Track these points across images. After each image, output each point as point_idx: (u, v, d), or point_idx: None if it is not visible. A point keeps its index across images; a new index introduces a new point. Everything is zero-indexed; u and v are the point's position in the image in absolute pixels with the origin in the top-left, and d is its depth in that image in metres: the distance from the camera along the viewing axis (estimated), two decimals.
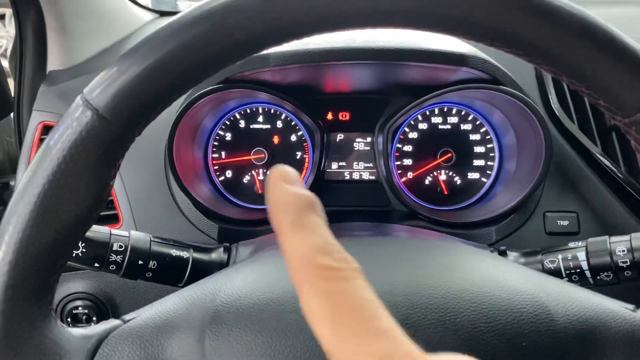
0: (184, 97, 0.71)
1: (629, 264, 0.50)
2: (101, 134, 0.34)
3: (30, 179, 0.34)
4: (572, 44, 0.33)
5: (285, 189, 0.24)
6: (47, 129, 0.74)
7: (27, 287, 0.35)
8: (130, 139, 0.36)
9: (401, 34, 0.69)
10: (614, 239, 0.52)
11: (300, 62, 0.66)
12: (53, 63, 0.83)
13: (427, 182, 0.80)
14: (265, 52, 0.68)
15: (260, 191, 0.79)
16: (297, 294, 0.38)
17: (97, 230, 0.52)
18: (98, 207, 0.37)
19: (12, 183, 0.96)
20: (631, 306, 0.40)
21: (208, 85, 0.69)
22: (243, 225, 0.73)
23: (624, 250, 0.50)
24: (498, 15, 0.32)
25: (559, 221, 0.69)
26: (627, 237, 0.51)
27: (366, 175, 0.81)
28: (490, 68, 0.68)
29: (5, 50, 3.55)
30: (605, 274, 0.51)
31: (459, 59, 0.66)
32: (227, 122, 0.79)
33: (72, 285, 0.71)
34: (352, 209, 0.80)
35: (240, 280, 0.41)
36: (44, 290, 0.36)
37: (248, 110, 0.79)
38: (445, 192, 0.79)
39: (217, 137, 0.79)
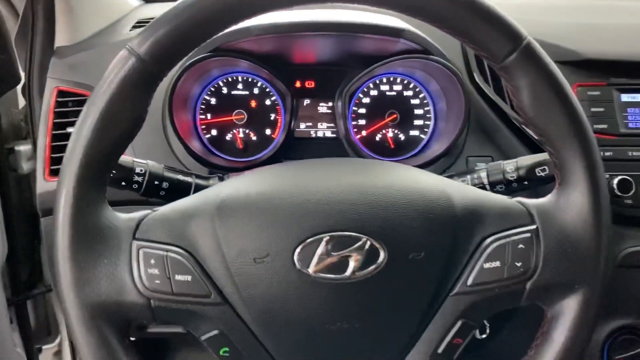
0: (175, 68, 0.87)
1: (515, 178, 0.69)
2: (142, 72, 0.50)
3: (92, 101, 0.50)
4: (458, 13, 0.51)
5: None
6: (62, 93, 0.88)
7: (91, 180, 0.51)
8: (161, 77, 0.52)
9: (356, 13, 0.87)
10: (506, 162, 0.71)
11: (276, 32, 0.83)
12: (60, 39, 0.97)
13: (377, 138, 0.97)
14: (246, 23, 0.85)
15: (240, 147, 0.95)
16: (280, 189, 0.56)
17: (123, 158, 0.68)
18: (138, 125, 0.53)
19: (17, 148, 1.09)
20: (507, 196, 0.58)
21: (196, 55, 0.85)
22: (229, 171, 0.89)
23: (512, 169, 0.70)
24: None
25: (478, 163, 0.88)
26: (515, 160, 0.70)
27: (328, 134, 0.98)
28: (422, 40, 0.86)
29: None
30: (500, 186, 0.70)
31: (396, 32, 0.84)
32: (212, 89, 0.95)
33: None
34: None
35: (236, 183, 0.57)
36: (101, 183, 0.52)
37: (229, 79, 0.95)
38: (392, 146, 0.97)
39: (204, 102, 0.95)
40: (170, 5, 0.50)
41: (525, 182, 0.69)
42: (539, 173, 0.68)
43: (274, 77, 0.90)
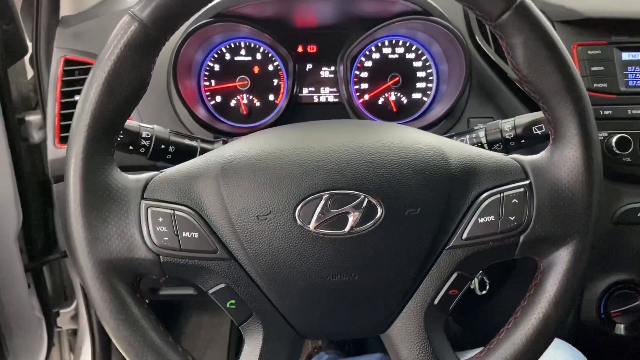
0: (179, 33, 0.88)
1: (512, 136, 0.71)
2: (145, 36, 0.51)
3: (97, 66, 0.52)
4: None
5: None
6: (68, 62, 0.90)
7: (99, 142, 0.53)
8: (164, 41, 0.54)
9: None
10: (504, 121, 0.72)
11: None
12: (65, 9, 0.98)
13: (380, 102, 0.99)
14: None
15: (244, 112, 0.97)
16: (283, 148, 0.58)
17: (129, 123, 0.70)
18: (142, 89, 0.55)
19: (27, 118, 1.12)
20: (503, 154, 0.60)
21: (199, 21, 0.86)
22: (234, 136, 0.91)
23: (509, 127, 0.71)
24: None
25: (479, 124, 0.89)
26: (512, 119, 0.72)
27: (331, 98, 1.00)
28: (421, 1, 0.86)
29: None
30: (498, 145, 0.72)
31: None
32: (215, 55, 0.96)
33: None
34: None
35: (240, 144, 0.59)
36: (109, 145, 0.54)
37: (232, 45, 0.96)
38: (395, 110, 0.98)
39: (207, 68, 0.96)
40: None
41: (522, 141, 0.71)
42: (536, 131, 0.69)
43: (276, 42, 0.91)
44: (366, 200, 0.54)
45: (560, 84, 0.54)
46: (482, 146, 0.72)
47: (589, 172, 0.54)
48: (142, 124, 0.70)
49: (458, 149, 0.59)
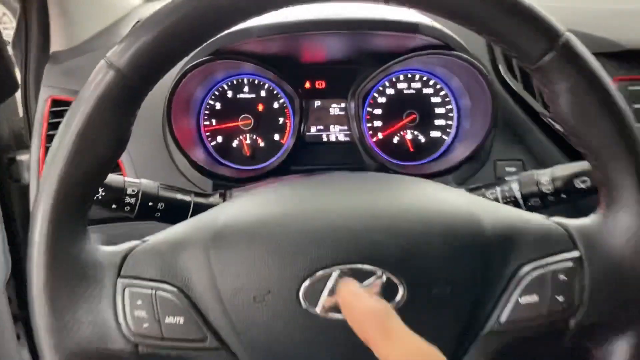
0: (176, 70, 0.80)
1: (551, 190, 0.61)
2: (122, 88, 0.43)
3: (67, 125, 0.44)
4: (487, 10, 0.43)
5: (366, 301, 0.34)
6: (56, 102, 0.83)
7: (68, 210, 0.45)
8: (145, 92, 0.46)
9: (366, 9, 0.79)
10: (539, 171, 0.63)
11: (280, 32, 0.76)
12: (55, 44, 0.91)
13: (395, 141, 0.90)
14: (248, 24, 0.78)
15: (247, 154, 0.89)
16: (284, 214, 0.49)
17: (113, 178, 0.62)
18: (121, 148, 0.47)
19: (18, 158, 1.05)
20: (544, 216, 0.51)
21: (197, 58, 0.79)
22: (234, 182, 0.83)
23: (547, 180, 0.62)
24: None
25: (506, 168, 0.80)
26: (549, 170, 0.63)
27: (342, 137, 0.91)
28: (442, 35, 0.78)
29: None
30: (534, 200, 0.63)
31: (412, 27, 0.76)
32: (216, 93, 0.89)
33: None
34: (329, 167, 0.90)
35: (237, 206, 0.51)
36: (80, 215, 0.46)
37: (234, 82, 0.88)
38: (411, 149, 0.90)
39: (208, 107, 0.89)
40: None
41: (563, 195, 0.61)
42: (579, 185, 0.60)
43: (280, 78, 0.84)
44: (384, 277, 0.45)
45: (616, 139, 0.45)
46: (515, 201, 0.63)
47: None
48: (127, 179, 0.62)
49: (492, 211, 0.50)
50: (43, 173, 0.45)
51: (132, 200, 0.61)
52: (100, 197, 0.60)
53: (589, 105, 0.45)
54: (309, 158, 0.91)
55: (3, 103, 1.01)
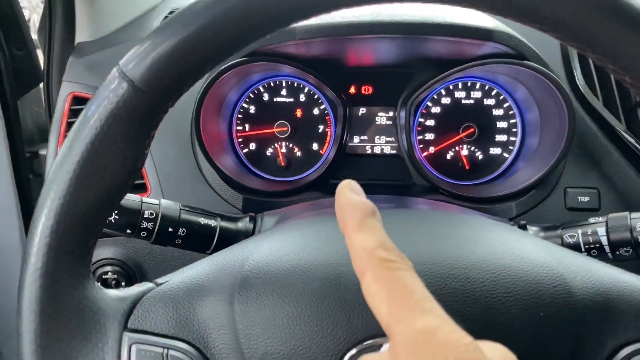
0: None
1: None
2: (137, 104, 0.35)
3: (70, 147, 0.36)
4: (600, 21, 0.33)
5: (351, 196, 0.30)
6: (76, 100, 0.76)
7: (67, 250, 0.37)
8: (164, 110, 0.37)
9: (426, 8, 0.69)
10: (635, 214, 0.52)
11: (326, 36, 0.66)
12: (81, 35, 0.84)
13: (448, 156, 0.80)
14: (291, 26, 0.68)
15: (283, 164, 0.81)
16: (322, 263, 0.39)
17: (129, 199, 0.54)
18: (133, 175, 0.38)
19: (41, 152, 0.99)
20: None
21: (233, 59, 0.70)
22: (266, 196, 0.75)
23: None
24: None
25: (579, 197, 0.70)
26: None
27: (387, 150, 0.82)
28: (516, 43, 0.67)
29: (28, 20, 3.60)
30: (625, 249, 0.52)
31: (485, 34, 0.66)
32: (251, 95, 0.80)
33: (102, 252, 0.74)
34: (373, 183, 0.81)
35: (268, 248, 0.42)
36: (82, 253, 0.38)
37: (272, 84, 0.80)
38: (467, 167, 0.80)
39: (241, 110, 0.80)
40: None
41: None
42: None
43: (322, 82, 0.74)
44: None
45: None
46: (601, 248, 0.53)
47: None
48: (145, 199, 0.54)
49: (583, 273, 0.40)
50: (39, 201, 0.37)
51: (150, 225, 0.53)
52: (113, 221, 0.52)
53: None
54: (349, 171, 0.81)
55: (27, 95, 0.95)
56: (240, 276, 0.40)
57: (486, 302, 0.38)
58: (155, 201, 0.55)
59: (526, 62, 0.68)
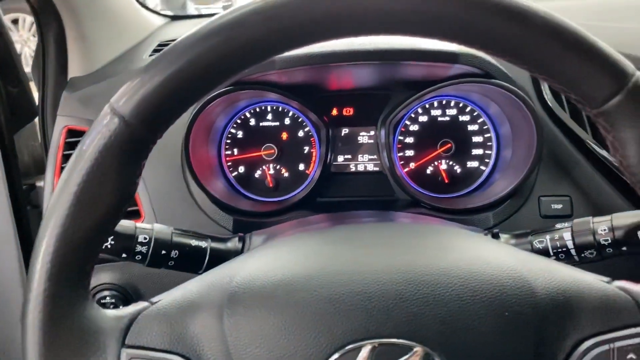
0: None
1: (610, 242, 0.54)
2: (127, 138, 0.39)
3: (67, 179, 0.39)
4: (542, 45, 0.37)
5: None
6: (71, 132, 0.79)
7: (68, 273, 0.40)
8: (153, 142, 0.41)
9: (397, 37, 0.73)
10: (596, 219, 0.56)
11: (304, 65, 0.70)
12: (74, 70, 0.88)
13: (428, 171, 0.84)
14: None
15: (271, 185, 0.84)
16: (304, 276, 0.43)
17: (124, 225, 0.57)
18: (126, 202, 0.42)
19: (38, 184, 1.02)
20: (607, 279, 0.44)
21: (220, 88, 0.74)
22: (256, 217, 0.78)
23: (605, 230, 0.55)
24: (473, 20, 0.37)
25: (553, 205, 0.73)
26: (608, 217, 0.55)
27: (371, 167, 0.86)
28: (482, 63, 0.72)
29: (20, 53, 3.65)
30: (589, 251, 0.56)
31: (451, 57, 0.70)
32: (239, 121, 0.84)
33: (100, 277, 0.77)
34: (358, 199, 0.85)
35: (254, 264, 0.46)
36: (81, 276, 0.41)
37: (257, 109, 0.84)
38: (446, 181, 0.84)
39: (230, 135, 0.84)
40: (198, 22, 0.38)
41: (624, 248, 0.54)
42: None
43: (305, 106, 0.78)
44: (423, 354, 0.39)
45: None
46: (567, 252, 0.56)
47: None
48: (138, 225, 0.58)
49: (545, 275, 0.43)
50: (40, 230, 0.40)
51: (144, 249, 0.57)
52: (109, 246, 0.56)
53: None
54: (335, 189, 0.85)
55: (22, 129, 0.99)
56: (229, 292, 0.43)
57: (455, 305, 0.41)
58: (149, 226, 0.58)
59: (493, 80, 0.72)
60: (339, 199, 0.84)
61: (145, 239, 0.57)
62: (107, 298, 0.77)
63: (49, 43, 0.85)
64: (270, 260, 0.46)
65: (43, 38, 0.85)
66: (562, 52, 0.37)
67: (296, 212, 0.81)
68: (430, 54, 0.70)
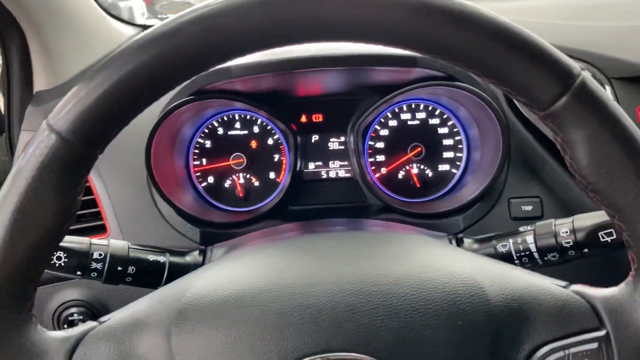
0: (160, 108, 0.75)
1: (572, 244, 0.54)
2: (65, 155, 0.37)
3: (4, 198, 0.38)
4: (485, 48, 0.37)
5: None
6: None
7: (6, 296, 0.39)
8: (93, 158, 0.40)
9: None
10: (559, 221, 0.55)
11: (260, 72, 0.70)
12: (39, 83, 0.87)
13: (400, 176, 0.83)
14: (226, 64, 0.72)
15: (241, 195, 0.83)
16: (254, 290, 0.41)
17: (78, 241, 0.56)
18: (67, 220, 0.41)
19: None
20: (564, 283, 0.43)
21: (181, 97, 0.73)
22: (226, 227, 0.77)
23: (567, 232, 0.54)
24: (416, 25, 0.36)
25: (523, 206, 0.73)
26: (570, 219, 0.55)
27: (342, 173, 0.85)
28: (444, 66, 0.71)
29: None
30: (552, 254, 0.55)
31: (410, 61, 0.70)
32: (206, 130, 0.83)
33: (67, 294, 0.76)
34: (330, 206, 0.84)
35: (205, 279, 0.45)
36: (23, 299, 0.40)
37: (225, 118, 0.83)
38: (418, 185, 0.83)
39: (198, 145, 0.83)
40: None
41: (586, 250, 0.54)
42: (604, 238, 0.52)
43: (272, 115, 0.77)
44: None
45: None
46: (530, 255, 0.56)
47: None
48: (93, 241, 0.57)
49: (500, 281, 0.43)
50: None
51: (99, 266, 0.55)
52: (62, 264, 0.54)
53: (611, 157, 0.37)
54: (307, 197, 0.84)
55: None
56: (178, 309, 0.42)
57: (407, 315, 0.40)
58: (104, 242, 0.57)
59: (456, 83, 0.71)
60: (311, 206, 0.83)
61: (100, 255, 0.56)
62: (75, 315, 0.75)
63: (12, 57, 0.84)
64: (221, 274, 0.45)
65: (6, 52, 0.84)
66: (505, 54, 0.37)
67: (267, 221, 0.80)
68: (389, 59, 0.70)
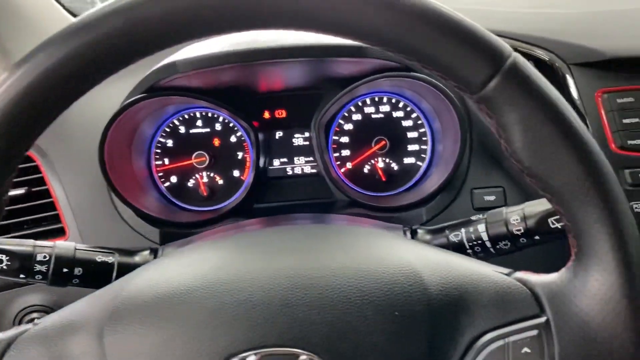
0: (115, 106, 0.73)
1: (522, 231, 0.53)
2: None
3: None
4: (412, 31, 0.36)
5: None
6: None
7: None
8: (17, 157, 0.38)
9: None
10: (509, 209, 0.55)
11: (206, 67, 0.68)
12: None
13: (365, 170, 0.82)
14: (171, 59, 0.71)
15: (205, 193, 0.82)
16: (188, 288, 0.40)
17: (21, 244, 0.55)
18: None
19: None
20: (507, 270, 0.43)
21: (136, 94, 0.72)
22: (187, 227, 0.76)
23: (517, 219, 0.53)
24: (342, 10, 0.35)
25: (485, 197, 0.72)
26: (521, 207, 0.54)
27: (307, 169, 0.84)
28: (395, 56, 0.70)
29: None
30: (504, 243, 0.54)
31: (358, 51, 0.69)
32: (167, 129, 0.82)
33: (28, 299, 0.74)
34: (296, 203, 0.83)
35: (141, 278, 0.44)
36: None
37: (186, 116, 0.82)
38: (384, 179, 0.82)
39: (159, 145, 0.82)
40: None
41: (537, 237, 0.53)
42: (554, 224, 0.51)
43: (232, 112, 0.76)
44: None
45: (581, 179, 0.36)
46: (483, 244, 0.55)
47: (633, 307, 0.36)
48: (38, 243, 0.55)
49: (441, 270, 0.42)
50: None
51: (44, 268, 0.54)
52: (5, 267, 0.53)
53: (545, 138, 0.36)
54: (273, 194, 0.83)
55: None
56: (111, 309, 0.41)
57: (343, 307, 0.39)
58: (49, 244, 0.56)
59: (411, 73, 0.70)
60: (276, 204, 0.82)
61: (45, 257, 0.54)
62: (36, 320, 0.74)
63: None
64: (157, 273, 0.44)
65: None
66: (433, 36, 0.36)
67: (233, 220, 0.78)
68: (336, 49, 0.69)
